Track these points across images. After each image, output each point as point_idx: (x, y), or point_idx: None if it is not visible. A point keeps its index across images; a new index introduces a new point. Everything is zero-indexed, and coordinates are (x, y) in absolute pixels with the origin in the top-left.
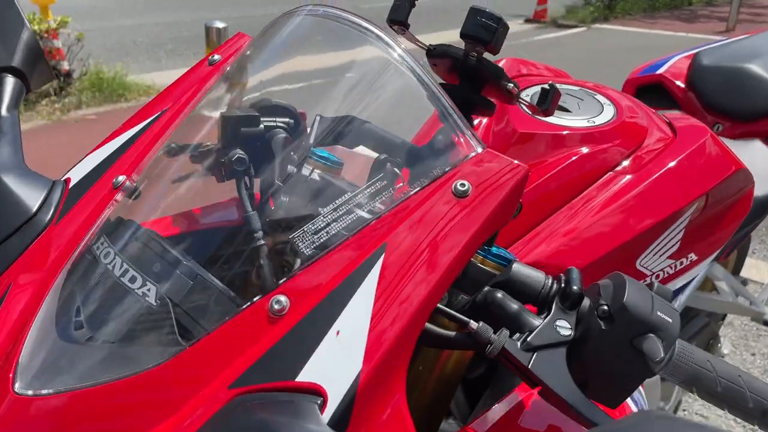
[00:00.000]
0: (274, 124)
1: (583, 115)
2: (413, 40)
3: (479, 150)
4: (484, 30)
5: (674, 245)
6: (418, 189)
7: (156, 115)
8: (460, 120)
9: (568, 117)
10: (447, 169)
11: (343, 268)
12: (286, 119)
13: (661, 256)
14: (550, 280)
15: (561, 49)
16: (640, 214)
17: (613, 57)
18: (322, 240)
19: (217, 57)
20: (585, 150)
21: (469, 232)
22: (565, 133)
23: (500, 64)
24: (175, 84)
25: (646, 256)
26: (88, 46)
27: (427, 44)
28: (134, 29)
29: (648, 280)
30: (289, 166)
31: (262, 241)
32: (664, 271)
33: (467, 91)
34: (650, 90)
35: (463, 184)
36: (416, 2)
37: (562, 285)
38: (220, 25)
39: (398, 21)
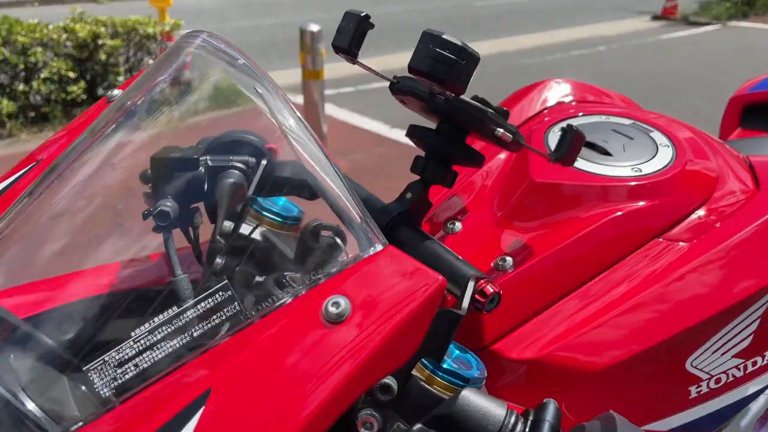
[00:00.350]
0: (229, 164)
1: (627, 160)
2: (367, 69)
3: (377, 248)
4: (437, 63)
5: (744, 340)
6: (276, 306)
7: (31, 165)
8: (352, 202)
9: (606, 162)
10: (320, 278)
11: (145, 424)
12: (246, 158)
13: (723, 354)
14: (513, 418)
15: (690, 49)
16: (695, 297)
17: (750, 58)
18: (127, 377)
19: (116, 92)
20: (624, 207)
21: (342, 374)
22: (597, 184)
23: (539, 90)
24: (67, 127)
25: (701, 354)
26: None
27: (392, 76)
28: (250, 30)
29: (703, 386)
30: (226, 223)
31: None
32: (728, 374)
33: (446, 136)
34: (762, 110)
35: (337, 304)
36: (371, 28)
37: (527, 428)
38: (314, 28)
39: (342, 49)
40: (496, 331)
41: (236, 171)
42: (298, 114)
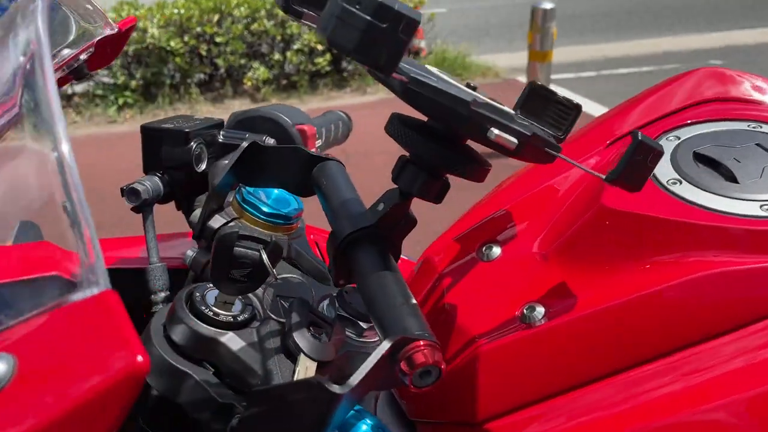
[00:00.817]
0: (240, 142)
1: (759, 191)
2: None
3: (89, 292)
4: (342, 26)
5: None
6: None
7: None
8: (79, 216)
9: (726, 192)
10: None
11: None
12: (263, 137)
13: None
14: None
15: None
16: None
17: None
18: None
19: None
20: (736, 262)
21: None
22: (698, 222)
23: (681, 83)
24: None
25: None
26: (450, 25)
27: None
28: (491, 10)
29: None
30: (197, 211)
31: None
32: None
33: (433, 134)
34: None
35: None
36: None
37: None
38: (548, 5)
39: (281, 5)
40: (497, 405)
41: None
42: (54, 95)
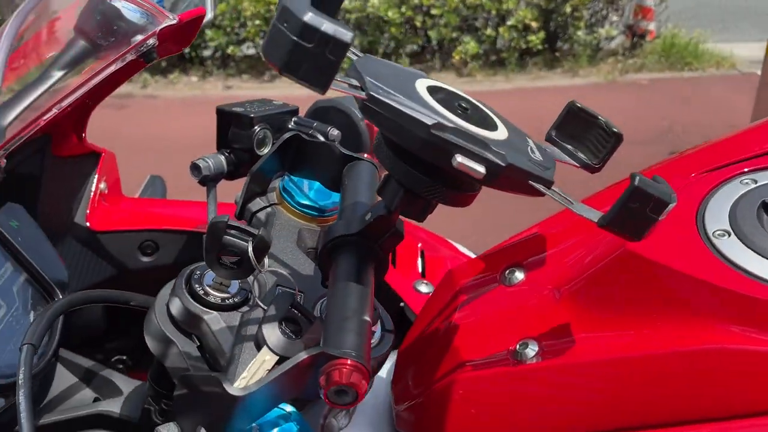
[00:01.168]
0: (308, 131)
1: None
2: None
3: None
4: (272, 44)
5: None
6: None
7: None
8: None
9: None
10: None
11: None
12: (327, 128)
13: None
14: None
15: None
16: None
17: None
18: None
19: None
20: (763, 341)
21: None
22: (727, 288)
23: None
24: None
25: None
26: (689, 8)
27: None
28: None
29: None
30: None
31: None
32: None
33: (411, 156)
34: None
35: None
36: None
37: None
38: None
39: None
40: None
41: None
42: None
